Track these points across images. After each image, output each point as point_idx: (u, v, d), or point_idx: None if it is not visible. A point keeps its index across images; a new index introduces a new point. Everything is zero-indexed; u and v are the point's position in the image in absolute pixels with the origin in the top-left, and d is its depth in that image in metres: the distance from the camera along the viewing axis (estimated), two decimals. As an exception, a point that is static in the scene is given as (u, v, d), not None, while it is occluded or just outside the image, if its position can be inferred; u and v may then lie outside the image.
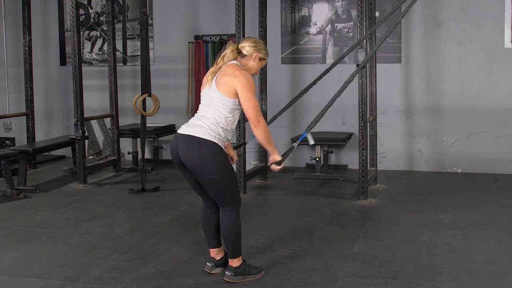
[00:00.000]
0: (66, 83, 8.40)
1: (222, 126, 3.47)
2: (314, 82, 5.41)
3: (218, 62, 3.57)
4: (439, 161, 7.24)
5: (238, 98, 3.47)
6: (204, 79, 3.62)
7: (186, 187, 4.82)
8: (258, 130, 3.48)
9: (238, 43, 3.66)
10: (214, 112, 3.47)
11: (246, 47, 3.59)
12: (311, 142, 3.98)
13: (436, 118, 7.20)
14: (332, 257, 4.03)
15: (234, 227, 3.56)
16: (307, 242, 4.39)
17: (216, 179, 3.44)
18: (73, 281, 3.66)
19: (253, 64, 3.61)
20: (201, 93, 3.62)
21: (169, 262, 3.98)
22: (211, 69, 3.59)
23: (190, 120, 3.57)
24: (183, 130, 3.51)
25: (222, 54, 3.59)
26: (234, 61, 3.57)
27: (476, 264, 3.88)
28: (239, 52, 3.60)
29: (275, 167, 3.61)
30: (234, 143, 4.13)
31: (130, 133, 7.49)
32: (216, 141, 3.43)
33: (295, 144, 3.93)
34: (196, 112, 3.61)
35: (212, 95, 3.50)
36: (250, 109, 3.44)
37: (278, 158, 3.58)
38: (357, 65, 5.52)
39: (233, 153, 3.76)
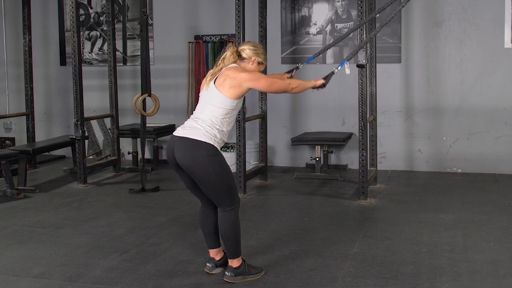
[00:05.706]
0: (66, 83, 8.41)
1: (217, 127, 3.47)
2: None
3: (218, 64, 3.59)
4: (439, 161, 7.24)
5: (238, 99, 3.49)
6: (204, 81, 3.63)
7: (186, 187, 4.82)
8: (296, 90, 3.68)
9: (238, 46, 3.68)
10: (210, 114, 3.47)
11: (246, 50, 3.62)
12: (347, 71, 4.13)
13: (436, 118, 7.20)
14: (332, 257, 4.03)
15: (233, 228, 3.55)
16: (307, 242, 4.39)
17: (214, 180, 3.44)
18: (73, 281, 3.66)
19: (251, 67, 3.63)
20: (199, 94, 3.63)
21: (169, 262, 3.98)
22: (211, 71, 3.61)
23: (185, 122, 3.57)
24: (178, 132, 3.51)
25: (222, 56, 3.60)
26: (234, 64, 3.59)
27: (476, 264, 3.88)
28: (238, 55, 3.62)
29: (321, 89, 3.91)
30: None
31: (130, 133, 7.48)
32: (212, 143, 3.43)
33: (336, 70, 4.08)
34: (193, 113, 3.62)
35: (210, 96, 3.50)
36: (277, 87, 3.59)
37: (321, 81, 3.82)
38: (357, 65, 5.52)
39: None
